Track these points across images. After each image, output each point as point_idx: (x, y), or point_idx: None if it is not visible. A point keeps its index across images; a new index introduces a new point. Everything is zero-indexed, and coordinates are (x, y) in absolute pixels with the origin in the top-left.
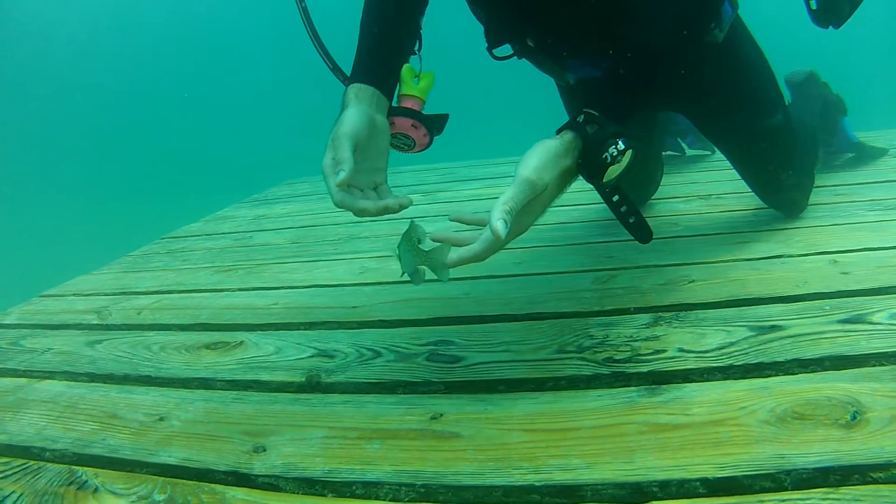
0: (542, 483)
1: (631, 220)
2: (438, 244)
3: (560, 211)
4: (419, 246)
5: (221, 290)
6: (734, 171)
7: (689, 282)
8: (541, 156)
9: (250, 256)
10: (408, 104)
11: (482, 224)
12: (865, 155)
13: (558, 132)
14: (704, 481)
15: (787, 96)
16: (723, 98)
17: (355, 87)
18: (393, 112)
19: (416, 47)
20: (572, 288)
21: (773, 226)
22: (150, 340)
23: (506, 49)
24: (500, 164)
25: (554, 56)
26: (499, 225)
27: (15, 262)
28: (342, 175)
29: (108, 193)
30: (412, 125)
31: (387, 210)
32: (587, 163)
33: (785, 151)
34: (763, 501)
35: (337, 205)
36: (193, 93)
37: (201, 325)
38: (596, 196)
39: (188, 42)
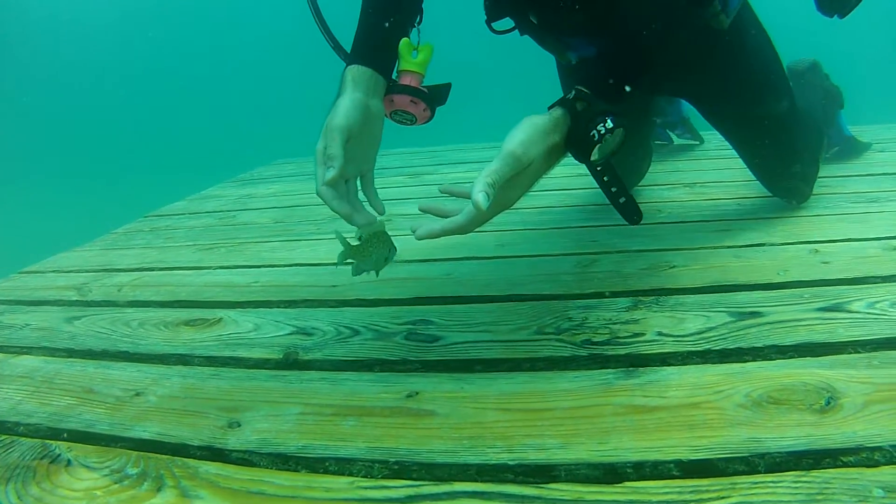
0: (516, 462)
1: (621, 201)
2: (371, 237)
3: (545, 195)
4: (349, 241)
5: (202, 269)
6: (720, 160)
7: (671, 267)
8: (528, 130)
9: (233, 235)
10: (406, 80)
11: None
12: (852, 149)
13: (549, 108)
14: (678, 463)
15: None
16: (729, 84)
17: (353, 70)
18: (391, 89)
19: (417, 21)
20: (553, 271)
21: (756, 214)
22: (129, 317)
23: (505, 23)
24: (489, 148)
25: (556, 34)
26: (480, 197)
27: None
28: (331, 173)
29: (91, 173)
30: (411, 101)
31: (352, 222)
32: (574, 139)
33: (790, 139)
34: (736, 484)
35: (318, 195)
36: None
37: (180, 303)
38: (582, 181)
39: (174, 19)
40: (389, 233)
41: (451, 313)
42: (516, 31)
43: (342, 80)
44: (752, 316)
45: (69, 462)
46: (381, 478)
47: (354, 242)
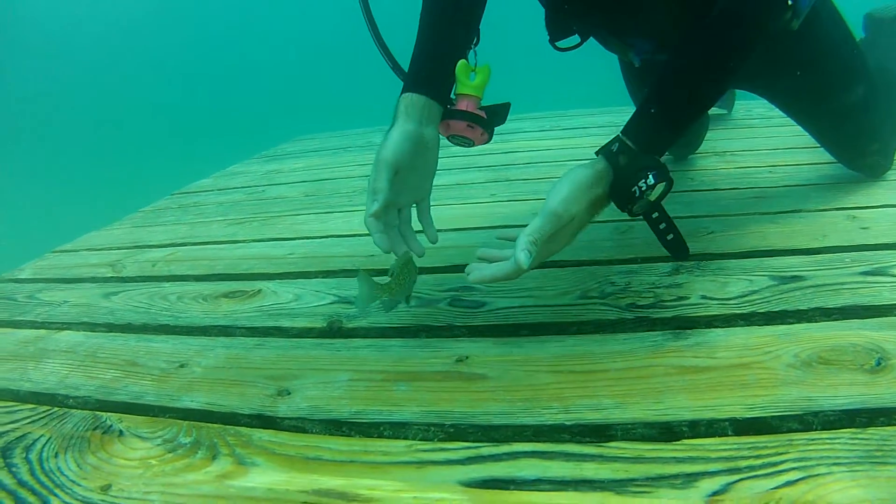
0: (573, 422)
1: (669, 238)
2: (403, 266)
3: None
4: (375, 281)
5: (236, 242)
6: (748, 129)
7: (709, 233)
8: (570, 187)
9: (264, 209)
10: (463, 104)
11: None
12: None
13: (597, 153)
14: (733, 421)
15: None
16: (800, 79)
17: (406, 99)
18: (448, 115)
19: (474, 42)
20: (591, 238)
21: (789, 182)
22: (167, 291)
23: (570, 41)
24: (521, 119)
25: (619, 35)
26: (522, 256)
27: (21, 223)
28: (374, 207)
29: (108, 156)
30: (468, 126)
31: (394, 253)
32: (616, 195)
33: (868, 121)
34: (793, 440)
35: (366, 225)
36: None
37: (217, 276)
38: None
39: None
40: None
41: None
42: (576, 45)
43: (396, 108)
44: (794, 280)
45: (121, 432)
46: (438, 440)
47: (383, 280)
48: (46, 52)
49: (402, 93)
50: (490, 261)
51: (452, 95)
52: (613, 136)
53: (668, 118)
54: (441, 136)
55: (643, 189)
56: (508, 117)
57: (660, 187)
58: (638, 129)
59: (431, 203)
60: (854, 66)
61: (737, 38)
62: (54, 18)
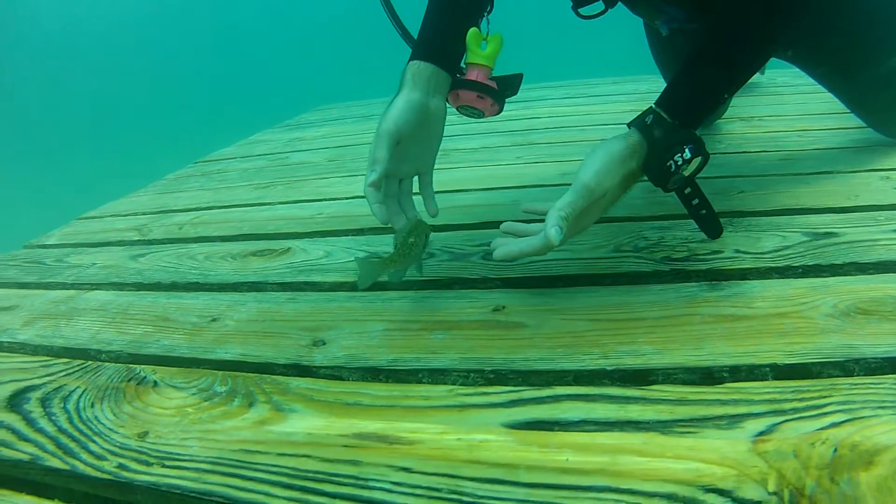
0: (613, 367)
1: (702, 213)
2: (407, 236)
3: (603, 128)
4: (376, 259)
5: (262, 205)
6: (773, 97)
7: (739, 192)
8: (603, 160)
9: (288, 174)
10: (473, 73)
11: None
12: None
13: (629, 125)
14: (774, 367)
15: None
16: (841, 47)
17: (413, 67)
18: (457, 84)
19: (487, 10)
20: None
21: (818, 145)
22: (195, 251)
23: (593, 8)
24: (538, 87)
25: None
26: (552, 232)
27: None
28: (373, 176)
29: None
30: (478, 97)
31: (391, 225)
32: (650, 169)
33: None
34: (836, 385)
35: (365, 194)
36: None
37: (245, 236)
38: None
39: None
40: (450, 170)
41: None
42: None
43: (402, 76)
44: (827, 236)
45: (156, 383)
46: (479, 385)
47: (385, 254)
48: (67, 25)
49: (409, 60)
50: (515, 235)
51: (463, 65)
52: (646, 108)
53: (706, 89)
54: (449, 107)
55: (679, 163)
56: (527, 85)
57: (695, 162)
58: (673, 100)
59: (455, 165)
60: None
61: (782, 2)
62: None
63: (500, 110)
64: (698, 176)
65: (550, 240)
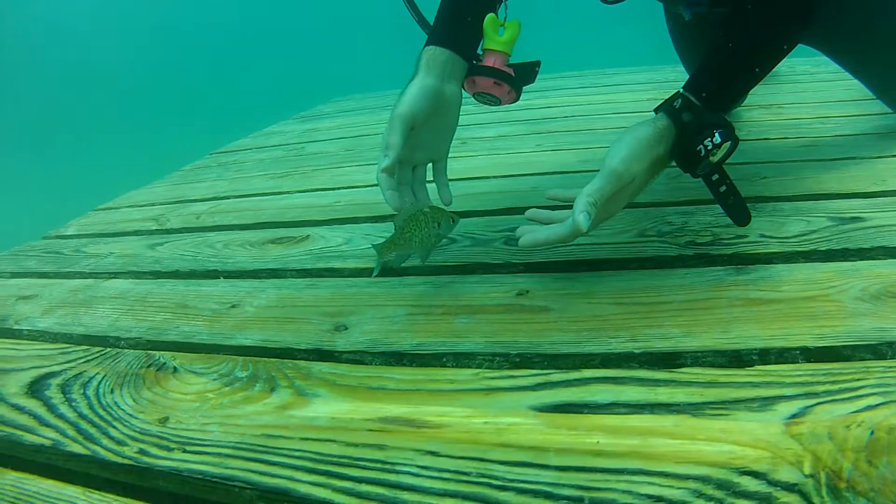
0: (641, 350)
1: (729, 201)
2: (409, 220)
3: (621, 116)
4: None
5: (279, 194)
6: (793, 84)
7: (762, 178)
8: (631, 145)
9: (304, 164)
10: (490, 60)
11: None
12: None
13: (656, 111)
14: (804, 350)
15: None
16: (874, 28)
17: (429, 52)
18: (474, 71)
19: None
20: None
21: (841, 132)
22: (213, 240)
23: None
24: (554, 77)
25: None
26: (580, 218)
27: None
28: (386, 162)
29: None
30: (494, 83)
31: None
32: (679, 153)
33: None
34: (869, 368)
35: (377, 180)
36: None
37: (263, 224)
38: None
39: None
40: (468, 158)
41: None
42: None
43: (417, 62)
44: (853, 221)
45: (175, 369)
46: (505, 369)
47: (382, 239)
48: (84, 17)
49: (424, 46)
50: (541, 223)
51: (479, 51)
52: (674, 93)
53: (738, 71)
54: (465, 96)
55: (708, 148)
56: (543, 75)
57: (724, 147)
58: (703, 83)
59: (473, 153)
60: None
61: None
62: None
63: (517, 98)
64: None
65: (579, 226)
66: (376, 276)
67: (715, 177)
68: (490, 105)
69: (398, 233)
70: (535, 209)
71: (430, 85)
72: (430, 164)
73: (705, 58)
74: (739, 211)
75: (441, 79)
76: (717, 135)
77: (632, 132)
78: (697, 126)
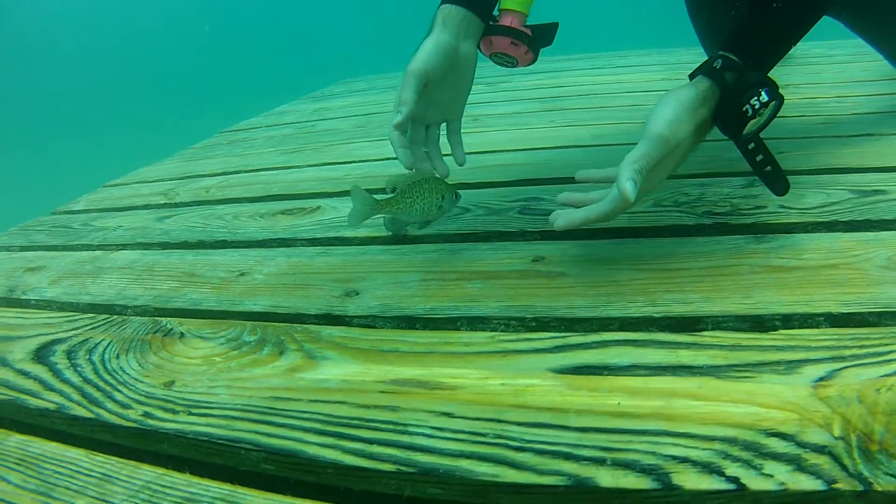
0: (661, 315)
1: (767, 170)
2: (412, 185)
3: (632, 95)
4: (373, 197)
5: (290, 168)
6: (806, 66)
7: (780, 153)
8: (674, 108)
9: (315, 140)
10: (507, 19)
11: (610, 181)
12: None
13: (691, 77)
14: (829, 316)
15: None
16: None
17: (444, 10)
18: (490, 31)
19: None
20: None
21: (859, 110)
22: (222, 212)
23: None
24: (562, 59)
25: None
26: (628, 186)
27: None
28: (398, 118)
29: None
30: (511, 43)
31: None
32: (724, 116)
33: None
34: None
35: (389, 137)
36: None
37: (273, 197)
38: (665, 85)
39: None
40: (481, 133)
41: (562, 192)
42: None
43: (433, 19)
44: (875, 193)
45: (182, 335)
46: (521, 331)
47: (384, 196)
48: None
49: (440, 4)
50: (575, 205)
51: (496, 12)
52: (708, 58)
53: (777, 28)
54: (480, 57)
55: (756, 107)
56: (554, 56)
57: (771, 106)
58: (744, 41)
59: (486, 129)
60: None
61: None
62: None
63: (535, 59)
64: None
65: (626, 195)
66: (387, 245)
67: (751, 145)
68: (506, 66)
69: (399, 195)
70: (567, 193)
71: (445, 41)
72: (443, 125)
73: (744, 18)
74: (777, 179)
75: (457, 36)
76: (763, 93)
77: (673, 95)
78: (742, 85)
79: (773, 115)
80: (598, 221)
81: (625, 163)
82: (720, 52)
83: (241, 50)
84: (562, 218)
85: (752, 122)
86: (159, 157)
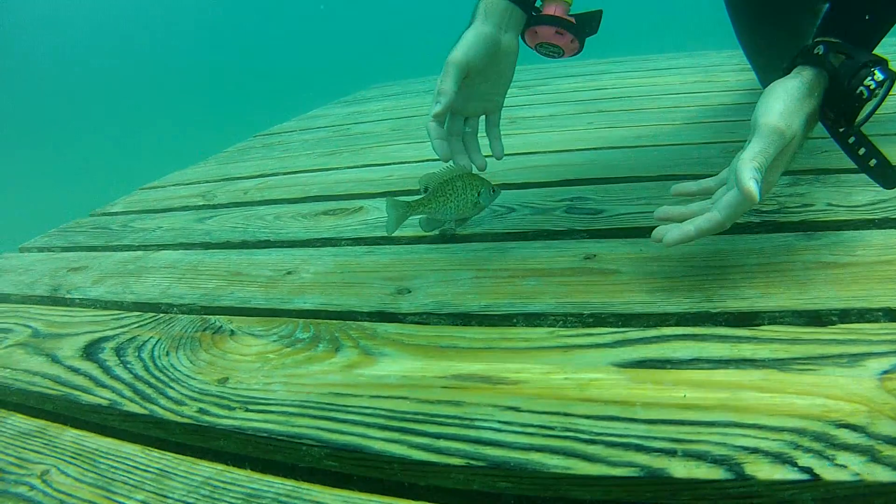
0: (718, 310)
1: (872, 164)
2: (443, 184)
3: (669, 97)
4: (405, 202)
5: (328, 170)
6: None
7: (822, 152)
8: (784, 99)
9: (352, 142)
10: (551, 9)
11: (708, 193)
12: None
13: (787, 70)
14: (888, 311)
15: None
16: None
17: (486, 1)
18: (535, 21)
19: None
20: (701, 156)
21: None
22: (262, 213)
23: None
24: (594, 63)
25: None
26: (752, 185)
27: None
28: (437, 108)
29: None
30: (556, 32)
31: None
32: (837, 102)
33: None
34: None
35: (427, 128)
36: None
37: (313, 198)
38: (698, 87)
39: None
40: (521, 135)
41: (607, 191)
42: None
43: (474, 10)
44: None
45: (233, 332)
46: (578, 327)
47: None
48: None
49: None
50: (675, 220)
51: (538, 3)
52: (803, 47)
53: (882, 7)
54: (525, 47)
55: (872, 88)
56: (589, 60)
57: (886, 85)
58: (847, 22)
59: (526, 131)
60: None
61: None
62: None
63: (580, 49)
64: None
65: (751, 195)
66: (435, 244)
67: (852, 139)
68: (552, 57)
69: (431, 194)
70: (665, 207)
71: (486, 32)
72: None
73: (841, 1)
74: (886, 172)
75: (498, 27)
76: (877, 71)
77: (779, 86)
78: (853, 66)
79: (884, 98)
80: (714, 231)
81: (741, 162)
82: (818, 39)
83: (246, 59)
84: (672, 233)
85: (868, 104)
86: (190, 162)
